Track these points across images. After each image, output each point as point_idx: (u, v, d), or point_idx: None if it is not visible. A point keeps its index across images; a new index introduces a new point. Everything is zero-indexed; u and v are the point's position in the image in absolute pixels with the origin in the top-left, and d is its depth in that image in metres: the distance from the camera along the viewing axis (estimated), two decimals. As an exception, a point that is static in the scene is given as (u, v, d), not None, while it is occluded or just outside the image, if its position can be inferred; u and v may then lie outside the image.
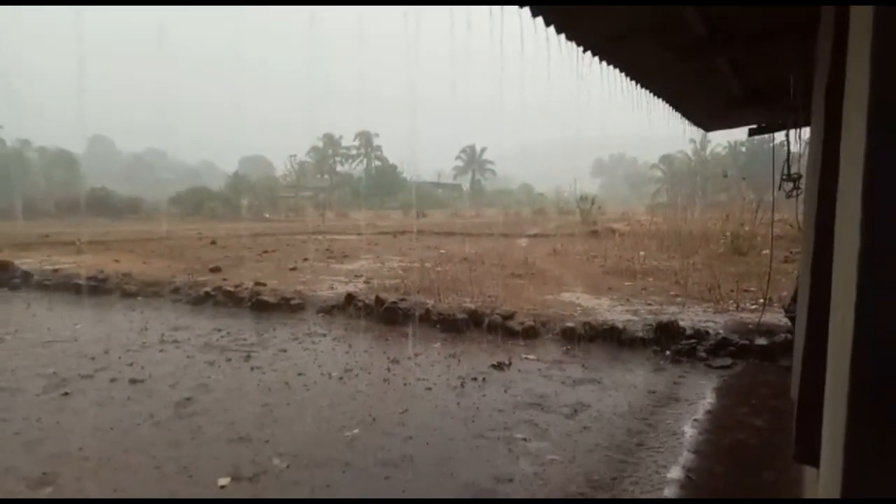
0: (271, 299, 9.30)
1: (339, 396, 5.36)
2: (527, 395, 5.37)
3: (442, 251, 16.73)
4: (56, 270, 12.23)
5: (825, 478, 1.41)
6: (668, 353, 6.67)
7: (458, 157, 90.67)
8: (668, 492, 3.58)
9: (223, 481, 3.66)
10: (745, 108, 6.01)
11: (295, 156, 78.25)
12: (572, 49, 3.69)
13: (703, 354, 6.55)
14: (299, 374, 5.95)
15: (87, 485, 3.62)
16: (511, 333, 7.49)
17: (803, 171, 4.77)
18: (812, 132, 4.03)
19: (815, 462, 1.75)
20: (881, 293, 1.05)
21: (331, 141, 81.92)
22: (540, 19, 3.15)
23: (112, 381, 5.69)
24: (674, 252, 14.89)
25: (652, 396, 5.38)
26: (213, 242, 19.49)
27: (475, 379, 5.81)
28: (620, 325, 7.34)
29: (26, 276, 11.66)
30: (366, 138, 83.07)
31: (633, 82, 4.89)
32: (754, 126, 7.21)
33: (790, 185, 4.86)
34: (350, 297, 8.97)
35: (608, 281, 11.35)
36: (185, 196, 49.13)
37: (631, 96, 4.98)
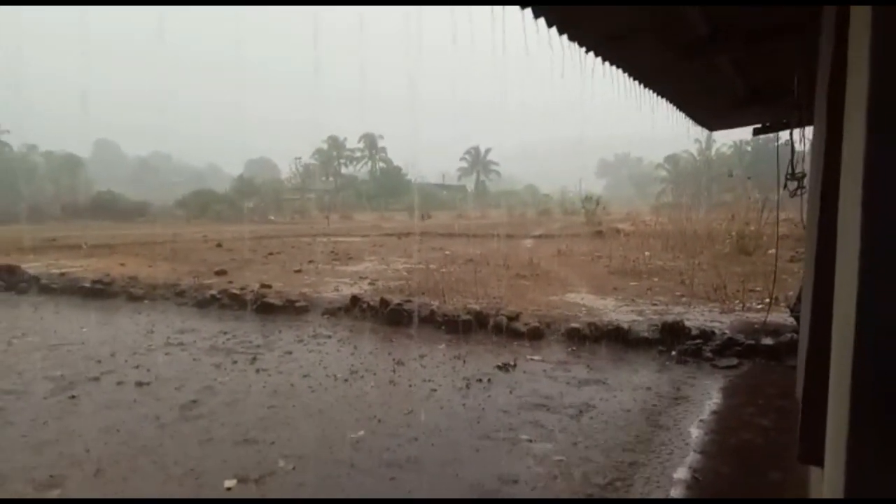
0: (277, 301, 9.32)
1: (344, 398, 5.37)
2: (532, 395, 5.37)
3: (447, 252, 16.74)
4: (63, 274, 12.30)
5: (829, 478, 1.41)
6: (673, 353, 6.65)
7: (462, 159, 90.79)
8: (675, 492, 3.58)
9: (229, 483, 3.67)
10: (749, 108, 6.00)
11: (300, 158, 78.52)
12: (574, 49, 3.70)
13: (709, 354, 6.53)
14: (305, 376, 5.97)
15: (95, 487, 3.64)
16: (516, 334, 7.48)
17: (808, 171, 4.76)
18: (815, 131, 4.02)
19: (819, 462, 1.74)
20: (882, 292, 1.05)
21: (335, 143, 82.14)
22: (542, 20, 3.16)
23: (118, 383, 5.71)
24: (679, 252, 14.87)
25: (657, 397, 5.37)
26: (219, 245, 19.56)
27: (480, 380, 5.81)
28: (626, 326, 7.32)
29: (33, 279, 11.71)
30: (370, 140, 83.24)
31: (636, 82, 4.89)
32: (759, 125, 7.20)
33: (794, 184, 4.84)
34: (355, 299, 8.99)
35: (613, 281, 11.34)
36: (191, 199, 49.34)
37: (634, 96, 4.98)
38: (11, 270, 12.15)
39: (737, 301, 8.91)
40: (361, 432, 4.51)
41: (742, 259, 13.32)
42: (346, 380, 5.89)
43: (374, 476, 3.80)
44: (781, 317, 7.39)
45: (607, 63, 4.17)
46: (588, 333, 7.27)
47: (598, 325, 7.41)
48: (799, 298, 5.77)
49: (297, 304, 9.22)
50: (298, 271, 13.12)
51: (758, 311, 8.23)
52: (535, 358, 6.63)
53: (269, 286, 10.49)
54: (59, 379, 5.83)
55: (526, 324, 7.65)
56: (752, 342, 6.61)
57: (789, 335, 6.49)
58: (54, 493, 3.55)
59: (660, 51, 4.04)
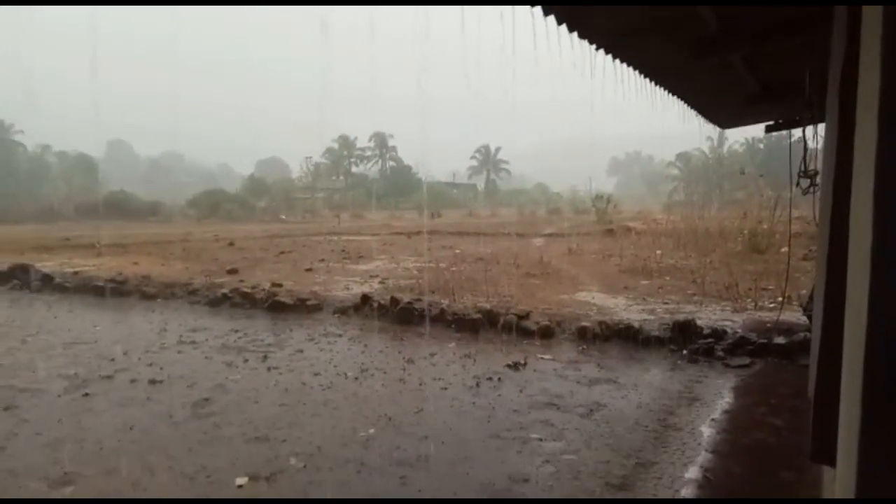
0: (288, 300, 9.36)
1: (355, 396, 5.39)
2: (542, 394, 5.36)
3: (457, 251, 16.74)
4: (76, 273, 12.42)
5: (841, 477, 1.40)
6: (685, 352, 6.62)
7: (472, 157, 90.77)
8: (686, 492, 3.56)
9: (241, 481, 3.70)
10: (760, 105, 5.95)
11: (310, 157, 78.77)
12: (585, 47, 3.68)
13: (721, 354, 6.49)
14: (315, 375, 5.99)
15: (108, 484, 3.67)
16: (526, 333, 7.47)
17: (820, 168, 4.72)
18: (827, 128, 3.99)
19: (832, 461, 1.73)
20: (894, 289, 1.04)
21: (346, 142, 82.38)
22: (552, 18, 3.15)
23: (132, 381, 5.76)
24: (691, 250, 14.79)
25: (669, 396, 5.35)
26: (231, 244, 19.67)
27: (490, 379, 5.81)
28: (637, 325, 7.30)
29: (47, 278, 11.82)
30: (380, 139, 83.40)
31: (647, 80, 4.86)
32: (771, 122, 7.15)
33: (807, 181, 4.80)
34: (365, 298, 9.01)
35: (624, 280, 11.30)
36: (202, 198, 49.63)
37: (645, 94, 4.96)
38: (26, 269, 12.28)
39: (749, 300, 8.85)
40: (372, 430, 4.53)
41: (754, 257, 13.23)
42: (356, 378, 5.91)
43: (385, 474, 3.81)
44: (794, 315, 7.33)
45: (618, 61, 4.15)
46: (599, 332, 7.25)
47: (608, 323, 7.39)
48: (811, 297, 5.72)
49: (308, 303, 9.25)
50: (309, 270, 13.17)
51: (770, 309, 8.17)
52: (546, 357, 6.62)
53: (280, 285, 10.54)
54: (73, 377, 5.89)
55: (536, 322, 7.64)
56: (765, 341, 6.57)
57: (802, 334, 6.44)
58: (68, 490, 3.59)
59: (670, 48, 4.02)
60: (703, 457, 4.04)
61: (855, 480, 1.12)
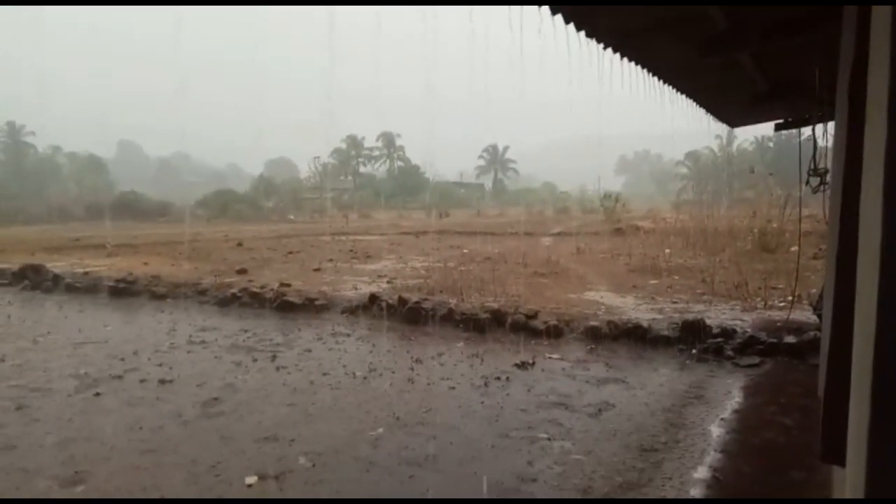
0: (296, 300, 9.39)
1: (363, 396, 5.40)
2: (550, 394, 5.35)
3: (465, 251, 16.75)
4: (86, 273, 12.49)
5: (851, 477, 1.40)
6: (694, 351, 6.59)
7: (480, 157, 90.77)
8: (695, 492, 3.55)
9: (250, 480, 3.71)
10: (770, 103, 5.92)
11: (319, 157, 78.95)
12: (593, 46, 3.68)
13: (731, 353, 6.46)
14: (324, 374, 6.01)
15: (118, 483, 3.70)
16: (534, 333, 7.47)
17: (830, 166, 4.69)
18: (836, 127, 3.97)
19: (841, 461, 1.72)
20: (904, 289, 1.04)
21: (354, 142, 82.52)
22: (559, 17, 3.15)
23: (141, 381, 5.80)
24: (700, 249, 14.72)
25: (678, 395, 5.33)
26: (240, 244, 19.75)
27: (498, 378, 5.81)
28: (645, 324, 7.28)
29: (58, 278, 11.91)
30: (388, 139, 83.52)
31: (656, 78, 4.85)
32: (780, 121, 7.10)
33: (817, 179, 4.77)
34: (373, 298, 9.02)
35: (633, 279, 11.27)
36: (212, 199, 49.80)
37: (654, 93, 4.95)
38: (37, 270, 12.37)
39: (759, 299, 8.80)
40: (380, 430, 4.54)
41: (764, 256, 13.16)
42: (364, 378, 5.92)
43: (393, 474, 3.82)
44: (804, 315, 7.29)
45: (625, 60, 4.14)
46: (607, 332, 7.23)
47: (617, 323, 7.37)
48: (822, 296, 5.68)
49: (317, 303, 9.28)
50: (318, 270, 13.21)
51: (780, 309, 8.13)
52: (554, 356, 6.61)
53: (289, 285, 10.57)
54: (84, 377, 5.93)
55: (544, 322, 7.63)
56: (775, 340, 6.53)
57: (812, 333, 6.40)
58: (79, 489, 3.62)
59: (678, 47, 4.01)
60: (713, 456, 4.02)
61: (864, 480, 1.11)
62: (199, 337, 7.65)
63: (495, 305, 8.44)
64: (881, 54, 1.15)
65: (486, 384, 5.66)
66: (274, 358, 6.60)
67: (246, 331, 7.99)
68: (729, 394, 5.36)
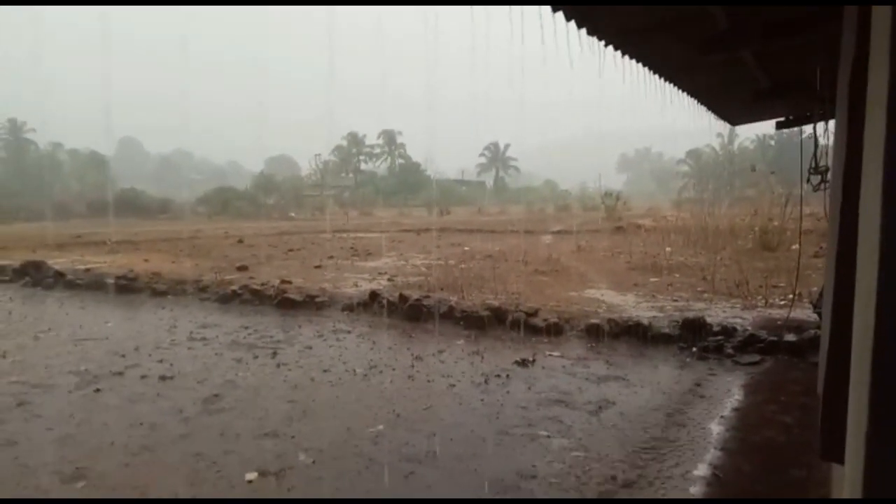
0: (297, 297, 9.40)
1: (363, 393, 5.41)
2: (551, 391, 5.36)
3: (466, 248, 16.76)
4: (88, 270, 12.51)
5: (850, 475, 1.40)
6: (694, 349, 6.60)
7: (481, 154, 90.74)
8: (694, 490, 3.56)
9: (250, 476, 3.72)
10: (771, 101, 5.91)
11: (319, 155, 78.89)
12: (594, 44, 3.67)
13: (731, 351, 6.46)
14: (325, 371, 6.02)
15: (119, 479, 3.71)
16: (535, 330, 7.47)
17: (831, 164, 4.69)
18: (837, 125, 3.97)
19: (841, 459, 1.73)
20: (902, 287, 1.04)
21: (355, 140, 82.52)
22: (560, 15, 3.14)
23: (142, 377, 5.81)
24: (701, 248, 14.72)
25: (678, 393, 5.33)
26: (240, 241, 19.77)
27: (499, 376, 5.82)
28: (646, 322, 7.28)
29: (59, 275, 11.93)
30: (389, 137, 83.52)
31: (657, 76, 4.84)
32: (782, 119, 7.10)
33: (818, 178, 4.77)
34: (374, 295, 9.03)
35: (633, 277, 11.27)
36: (212, 196, 49.81)
37: (655, 91, 4.94)
38: (38, 266, 12.39)
39: (759, 297, 8.81)
40: (380, 427, 4.54)
41: (765, 255, 13.16)
42: (365, 375, 5.93)
43: (393, 470, 3.83)
44: (805, 313, 7.29)
45: (627, 57, 4.14)
46: (607, 329, 7.23)
47: (617, 321, 7.37)
48: (822, 294, 5.68)
49: (317, 300, 9.29)
50: (318, 267, 13.22)
51: (781, 307, 8.13)
52: (554, 354, 6.61)
53: (290, 282, 10.57)
54: (84, 373, 5.95)
55: (545, 320, 7.63)
56: (775, 338, 6.53)
57: (812, 331, 6.40)
58: (79, 486, 3.62)
59: (680, 45, 4.01)
60: (713, 454, 4.03)
61: (862, 477, 1.11)
62: (200, 334, 7.66)
63: (496, 303, 8.44)
64: (881, 54, 1.15)
65: (486, 381, 5.66)
66: (274, 355, 6.61)
67: (246, 328, 8.00)
68: (729, 392, 5.37)
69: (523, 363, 6.21)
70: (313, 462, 3.94)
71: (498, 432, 4.44)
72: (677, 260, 13.12)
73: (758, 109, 6.71)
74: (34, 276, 11.99)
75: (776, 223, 14.66)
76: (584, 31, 3.43)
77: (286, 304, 9.27)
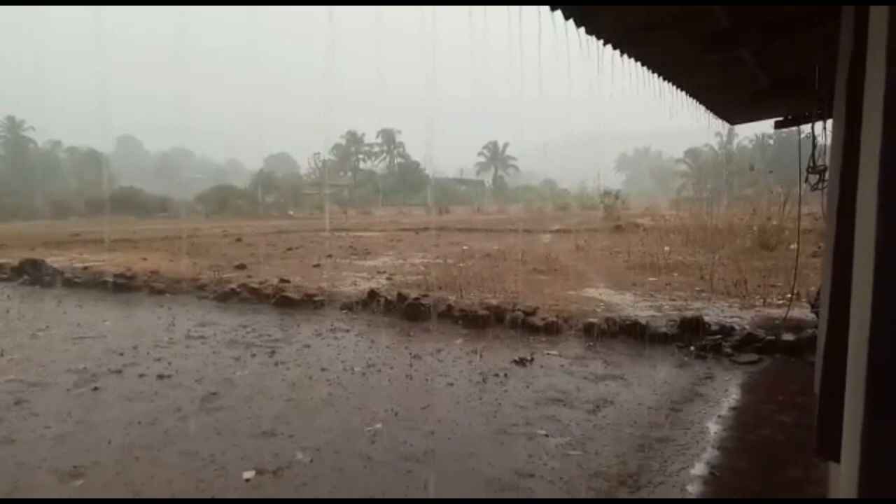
0: (295, 296, 9.39)
1: (361, 391, 5.41)
2: (549, 390, 5.36)
3: (464, 247, 16.76)
4: (86, 268, 12.50)
5: (845, 474, 1.40)
6: (692, 348, 6.60)
7: (480, 154, 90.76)
8: (692, 489, 3.56)
9: (248, 474, 3.72)
10: (770, 100, 5.92)
11: (319, 154, 78.94)
12: (593, 43, 3.67)
13: (729, 350, 6.47)
14: (323, 370, 6.01)
15: (117, 478, 3.70)
16: (533, 329, 7.47)
17: (829, 164, 4.69)
18: (834, 124, 3.97)
19: (837, 458, 1.73)
20: (898, 286, 1.04)
21: (354, 139, 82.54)
22: (559, 14, 3.14)
23: (140, 376, 5.80)
24: (699, 247, 14.73)
25: (675, 392, 5.34)
26: (239, 240, 19.76)
27: (497, 375, 5.82)
28: (644, 321, 7.28)
29: (57, 273, 11.92)
30: (388, 136, 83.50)
31: (656, 75, 4.84)
32: (780, 118, 7.10)
33: (816, 177, 4.77)
34: (373, 294, 9.03)
35: (632, 276, 11.28)
36: (211, 194, 49.80)
37: (654, 90, 4.94)
38: (36, 264, 12.37)
39: (757, 296, 8.82)
40: (378, 425, 4.54)
41: (763, 254, 13.17)
42: (363, 373, 5.93)
43: (391, 469, 3.83)
44: (803, 312, 7.30)
45: (626, 56, 4.14)
46: (606, 328, 7.24)
47: (615, 320, 7.38)
48: (820, 293, 5.69)
49: (316, 299, 9.29)
50: (317, 266, 13.22)
51: (779, 306, 8.14)
52: (552, 353, 6.62)
53: (288, 280, 10.57)
54: (82, 371, 5.94)
55: (543, 319, 7.63)
56: (773, 338, 6.54)
57: (810, 331, 6.41)
58: (77, 484, 3.62)
59: (680, 44, 4.01)
60: (710, 453, 4.03)
61: (858, 476, 1.12)
62: (198, 332, 7.65)
63: (494, 302, 8.44)
64: (878, 53, 1.15)
65: (484, 380, 5.66)
66: (272, 353, 6.61)
67: (245, 326, 7.99)
68: (727, 391, 5.37)
69: (521, 362, 6.22)
70: (311, 461, 3.94)
71: (496, 431, 4.44)
72: (676, 259, 13.14)
73: (757, 108, 6.71)
74: (32, 274, 11.98)
75: (774, 222, 14.67)
76: (582, 30, 3.43)
77: (284, 302, 9.26)
